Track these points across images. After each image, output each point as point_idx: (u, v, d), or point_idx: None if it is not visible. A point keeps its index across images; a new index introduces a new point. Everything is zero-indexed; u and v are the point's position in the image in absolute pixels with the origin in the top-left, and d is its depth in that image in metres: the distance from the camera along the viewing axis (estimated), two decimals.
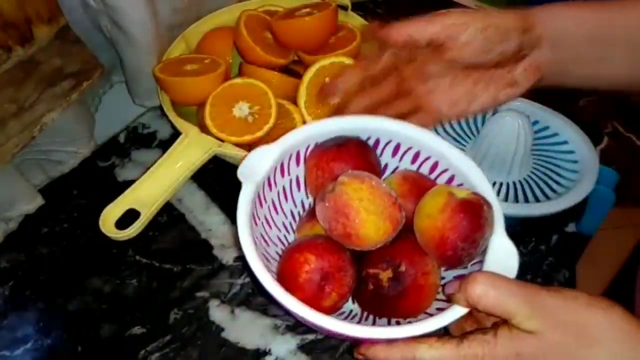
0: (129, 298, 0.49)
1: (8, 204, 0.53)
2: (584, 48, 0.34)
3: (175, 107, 0.53)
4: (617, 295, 0.54)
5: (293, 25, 0.54)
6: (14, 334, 0.47)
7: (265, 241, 0.36)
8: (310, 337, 0.45)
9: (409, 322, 0.30)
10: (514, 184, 0.49)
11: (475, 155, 0.49)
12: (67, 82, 0.49)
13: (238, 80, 0.52)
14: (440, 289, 0.34)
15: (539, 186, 0.48)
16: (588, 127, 0.50)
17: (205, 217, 0.55)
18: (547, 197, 0.47)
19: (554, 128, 0.51)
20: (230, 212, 0.55)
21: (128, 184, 0.47)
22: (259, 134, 0.51)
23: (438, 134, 0.52)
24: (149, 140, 0.62)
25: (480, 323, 0.30)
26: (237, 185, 0.57)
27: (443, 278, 0.35)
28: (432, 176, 0.38)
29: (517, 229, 0.52)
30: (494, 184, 0.49)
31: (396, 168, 0.40)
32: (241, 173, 0.34)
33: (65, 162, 0.58)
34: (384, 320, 0.34)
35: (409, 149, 0.38)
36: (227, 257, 0.52)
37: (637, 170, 0.60)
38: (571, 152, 0.49)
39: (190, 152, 0.49)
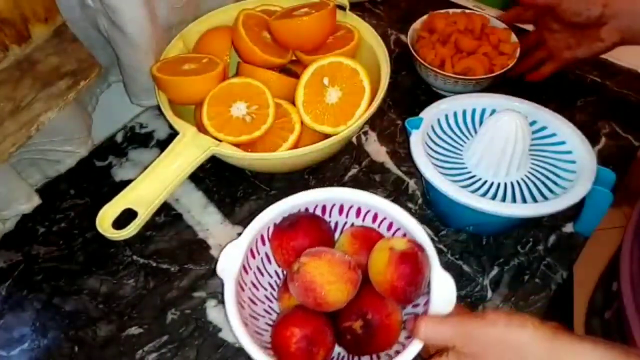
0: (126, 298, 0.49)
1: (5, 203, 0.53)
2: None
3: (172, 107, 0.52)
4: (605, 287, 0.55)
5: (291, 25, 0.54)
6: (11, 334, 0.47)
7: (255, 317, 0.42)
8: None
9: (387, 355, 0.40)
10: (512, 184, 0.49)
11: (472, 155, 0.50)
12: (64, 82, 0.48)
13: (236, 80, 0.52)
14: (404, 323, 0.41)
15: (536, 186, 0.48)
16: (586, 128, 0.50)
17: (202, 217, 0.55)
18: (545, 198, 0.47)
19: (552, 128, 0.51)
20: (227, 211, 0.55)
21: (125, 183, 0.47)
22: (257, 133, 0.51)
23: (439, 131, 0.52)
24: (146, 140, 0.62)
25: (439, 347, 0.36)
26: (235, 185, 0.57)
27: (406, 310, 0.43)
28: (375, 224, 0.45)
29: (514, 229, 0.53)
30: (491, 184, 0.49)
31: (345, 224, 0.47)
32: (220, 271, 0.40)
33: (62, 161, 0.58)
34: (367, 357, 0.41)
35: (350, 207, 0.45)
36: None
37: (635, 170, 0.60)
38: (569, 152, 0.49)
39: (187, 151, 0.49)
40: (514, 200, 0.48)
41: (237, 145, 0.51)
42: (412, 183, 0.57)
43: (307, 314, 0.40)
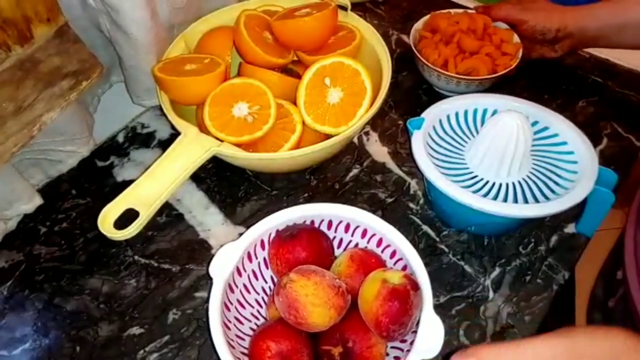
0: (128, 298, 0.49)
1: (6, 203, 0.53)
2: (600, 33, 0.59)
3: (174, 107, 0.52)
4: (606, 278, 0.55)
5: (292, 25, 0.54)
6: (13, 334, 0.47)
7: (239, 321, 0.42)
8: None
9: None
10: (513, 184, 0.48)
11: (474, 156, 0.49)
12: (66, 82, 0.49)
13: (237, 80, 0.52)
14: (385, 357, 0.40)
15: (538, 187, 0.48)
16: (587, 128, 0.50)
17: (204, 217, 0.55)
18: (547, 198, 0.47)
19: (554, 129, 0.51)
20: (229, 212, 0.55)
21: (127, 183, 0.47)
22: (258, 134, 0.51)
23: (440, 131, 0.52)
24: (148, 140, 0.62)
25: None
26: (236, 186, 0.57)
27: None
28: (379, 249, 0.44)
29: (516, 229, 0.52)
30: (493, 184, 0.49)
31: (350, 242, 0.46)
32: (212, 270, 0.40)
33: (64, 161, 0.58)
34: None
35: (357, 227, 0.45)
36: None
37: (636, 170, 0.60)
38: (570, 152, 0.49)
39: (189, 152, 0.49)
40: (515, 200, 0.47)
41: (239, 145, 0.51)
42: (413, 183, 0.57)
43: (288, 330, 0.39)
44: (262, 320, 0.44)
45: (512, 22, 0.63)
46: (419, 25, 0.65)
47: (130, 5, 0.49)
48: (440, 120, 0.52)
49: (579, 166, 0.48)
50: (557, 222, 0.53)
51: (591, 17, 0.59)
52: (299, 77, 0.54)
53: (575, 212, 0.49)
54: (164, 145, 0.60)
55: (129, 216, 0.46)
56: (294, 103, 0.53)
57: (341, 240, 0.46)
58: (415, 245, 0.44)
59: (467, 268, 0.50)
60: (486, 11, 0.64)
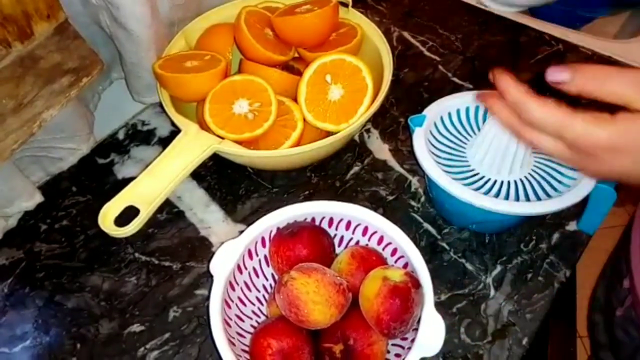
0: (128, 295, 0.49)
1: (7, 200, 0.53)
2: None
3: (175, 104, 0.52)
4: (609, 284, 0.54)
5: (293, 22, 0.54)
6: (13, 331, 0.47)
7: (240, 318, 0.42)
8: None
9: None
10: (515, 182, 0.48)
11: (476, 153, 0.49)
12: (67, 79, 0.48)
13: (238, 77, 0.52)
14: (386, 355, 0.40)
15: (539, 184, 0.48)
16: None
17: (204, 214, 0.55)
18: (548, 196, 0.47)
19: None
20: (229, 209, 0.55)
21: (127, 181, 0.47)
22: (259, 131, 0.50)
23: (442, 129, 0.52)
24: (148, 137, 0.62)
25: None
26: (236, 183, 0.57)
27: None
28: (380, 247, 0.44)
29: (518, 227, 0.52)
30: (494, 182, 0.48)
31: (350, 239, 0.46)
32: (212, 267, 0.40)
33: (65, 159, 0.58)
34: None
35: (358, 224, 0.44)
36: None
37: None
38: None
39: (189, 149, 0.49)
40: (517, 198, 0.47)
41: (239, 142, 0.50)
42: (414, 181, 0.56)
43: (289, 328, 0.39)
44: (262, 317, 0.44)
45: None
46: None
47: (131, 2, 0.49)
48: (441, 118, 0.52)
49: None
50: (558, 219, 0.53)
51: None
52: (299, 74, 0.54)
53: (577, 210, 0.49)
54: (165, 142, 0.59)
55: (129, 213, 0.46)
56: (295, 100, 0.53)
57: (342, 237, 0.46)
58: (416, 242, 0.44)
59: (468, 266, 0.50)
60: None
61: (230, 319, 0.40)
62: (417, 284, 0.38)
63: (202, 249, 0.52)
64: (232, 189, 0.57)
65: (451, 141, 0.52)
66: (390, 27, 0.73)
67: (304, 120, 0.52)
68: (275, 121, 0.51)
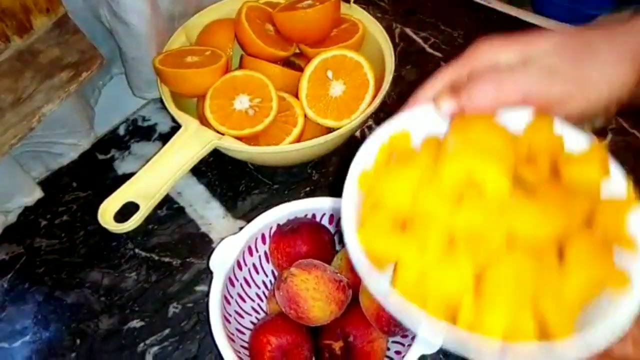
0: (128, 291, 0.49)
1: (7, 196, 0.53)
2: None
3: (175, 100, 0.52)
4: None
5: (295, 17, 0.53)
6: (13, 326, 0.47)
7: (240, 315, 0.42)
8: None
9: None
10: None
11: None
12: (66, 73, 0.48)
13: (239, 73, 0.52)
14: (386, 352, 0.40)
15: None
16: None
17: (205, 210, 0.54)
18: None
19: None
20: (229, 205, 0.55)
21: (127, 177, 0.47)
22: (260, 127, 0.50)
23: None
24: (148, 133, 0.61)
25: None
26: (237, 179, 0.57)
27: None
28: None
29: None
30: None
31: None
32: (212, 263, 0.40)
33: (65, 154, 0.58)
34: None
35: None
36: None
37: None
38: None
39: (190, 145, 0.49)
40: None
41: (240, 138, 0.50)
42: None
43: (288, 324, 0.39)
44: (262, 314, 0.44)
45: None
46: None
47: None
48: None
49: None
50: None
51: None
52: (300, 70, 0.54)
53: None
54: (165, 138, 0.59)
55: (129, 209, 0.46)
56: (296, 96, 0.53)
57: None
58: None
59: None
60: None
61: (230, 315, 0.40)
62: None
63: (202, 245, 0.52)
64: (232, 185, 0.56)
65: None
66: (392, 24, 0.72)
67: (305, 116, 0.52)
68: (276, 117, 0.51)
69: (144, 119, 0.63)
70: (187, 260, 0.51)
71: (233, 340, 0.38)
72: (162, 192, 0.47)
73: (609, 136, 0.59)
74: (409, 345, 0.37)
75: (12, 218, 0.54)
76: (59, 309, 0.48)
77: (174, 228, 0.53)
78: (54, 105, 0.48)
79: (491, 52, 0.29)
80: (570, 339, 0.23)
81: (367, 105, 0.51)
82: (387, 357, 0.40)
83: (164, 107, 0.52)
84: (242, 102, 0.51)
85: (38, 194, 0.55)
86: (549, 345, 0.23)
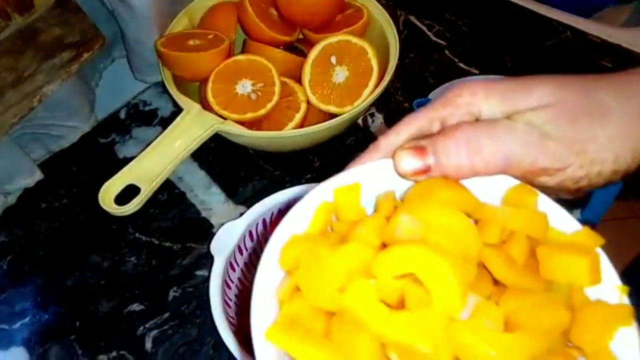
0: (128, 275, 0.49)
1: (7, 177, 0.52)
2: None
3: (177, 83, 0.52)
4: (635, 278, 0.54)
5: (299, 2, 0.53)
6: (12, 309, 0.47)
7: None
8: None
9: None
10: None
11: None
12: (67, 53, 0.48)
13: (241, 57, 0.51)
14: None
15: None
16: None
17: (205, 196, 0.54)
18: None
19: None
20: (231, 191, 0.54)
21: (128, 160, 0.47)
22: (262, 111, 0.50)
23: None
24: (150, 118, 0.61)
25: None
26: (238, 165, 0.57)
27: None
28: None
29: None
30: None
31: None
32: (213, 248, 0.40)
33: (66, 137, 0.58)
34: None
35: None
36: None
37: None
38: None
39: (191, 129, 0.48)
40: None
41: (242, 123, 0.50)
42: None
43: None
44: None
45: None
46: None
47: None
48: None
49: None
50: (563, 208, 0.52)
51: None
52: (304, 55, 0.53)
53: (581, 199, 0.48)
54: (166, 123, 0.58)
55: (130, 192, 0.45)
56: (299, 82, 0.52)
57: None
58: None
59: None
60: None
61: (230, 300, 0.40)
62: None
63: (203, 230, 0.52)
64: (233, 170, 0.56)
65: None
66: (397, 11, 0.71)
67: (308, 102, 0.51)
68: (278, 102, 0.50)
69: (145, 103, 0.62)
70: (188, 245, 0.51)
71: (233, 325, 0.38)
72: (164, 175, 0.46)
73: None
74: None
75: (11, 200, 0.54)
76: (59, 292, 0.48)
77: (175, 213, 0.53)
78: (54, 85, 0.47)
79: (473, 101, 0.24)
80: None
81: (370, 92, 0.50)
82: None
83: (165, 92, 0.52)
84: (244, 87, 0.50)
85: (38, 175, 0.55)
86: None
